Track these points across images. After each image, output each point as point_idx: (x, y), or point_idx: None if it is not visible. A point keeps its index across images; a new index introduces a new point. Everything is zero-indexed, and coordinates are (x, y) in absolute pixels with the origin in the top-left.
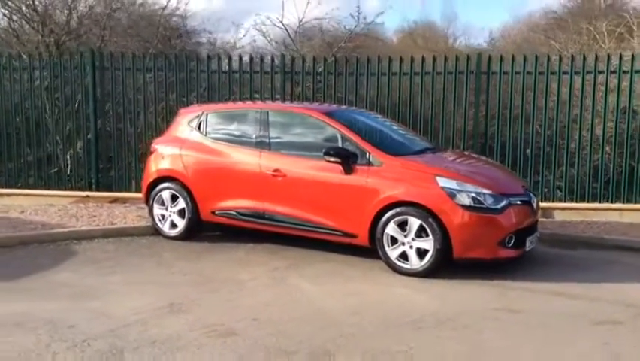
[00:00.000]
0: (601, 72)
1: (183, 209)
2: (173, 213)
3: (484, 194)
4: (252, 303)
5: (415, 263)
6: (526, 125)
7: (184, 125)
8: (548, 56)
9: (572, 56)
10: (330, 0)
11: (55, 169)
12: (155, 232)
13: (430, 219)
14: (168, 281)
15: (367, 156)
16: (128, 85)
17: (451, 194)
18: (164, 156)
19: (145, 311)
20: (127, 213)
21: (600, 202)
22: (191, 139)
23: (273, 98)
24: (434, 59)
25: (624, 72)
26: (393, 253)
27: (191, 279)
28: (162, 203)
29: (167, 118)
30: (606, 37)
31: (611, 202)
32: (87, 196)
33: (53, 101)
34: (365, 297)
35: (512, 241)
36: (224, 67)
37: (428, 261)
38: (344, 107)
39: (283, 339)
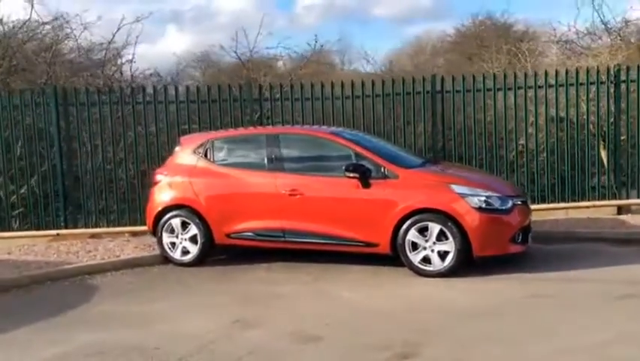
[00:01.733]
0: (540, 87)
1: (195, 235)
2: (185, 240)
3: (493, 197)
4: (311, 312)
5: (437, 265)
6: (479, 138)
7: (188, 153)
8: (494, 75)
9: (515, 73)
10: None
11: (21, 209)
12: (165, 260)
13: (450, 223)
14: (214, 303)
15: (383, 170)
16: (93, 120)
17: (466, 199)
18: (171, 185)
19: (217, 329)
20: (122, 245)
21: (548, 203)
22: (199, 166)
23: (243, 124)
24: (393, 82)
25: (571, 85)
26: (415, 258)
27: (234, 299)
28: (172, 231)
29: (136, 151)
30: (528, 56)
31: (557, 202)
32: (58, 235)
33: (13, 140)
34: (405, 298)
35: (520, 238)
36: (191, 97)
37: (450, 262)
38: (340, 128)
39: (368, 337)
